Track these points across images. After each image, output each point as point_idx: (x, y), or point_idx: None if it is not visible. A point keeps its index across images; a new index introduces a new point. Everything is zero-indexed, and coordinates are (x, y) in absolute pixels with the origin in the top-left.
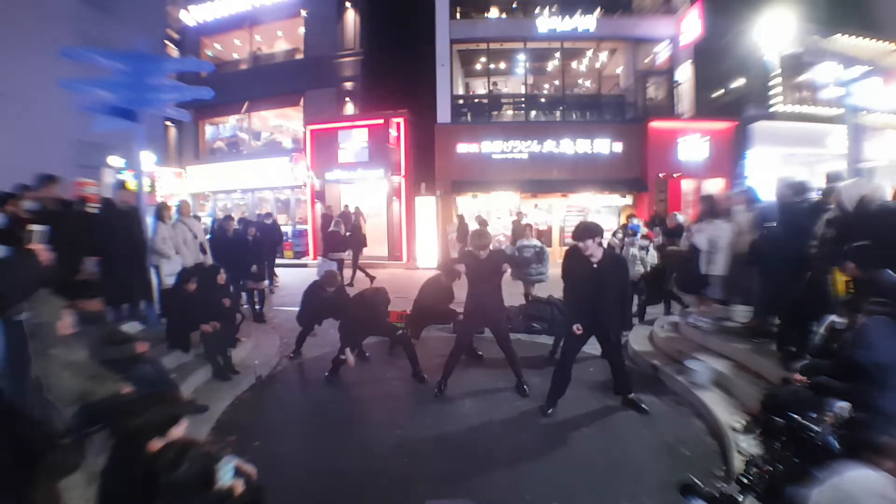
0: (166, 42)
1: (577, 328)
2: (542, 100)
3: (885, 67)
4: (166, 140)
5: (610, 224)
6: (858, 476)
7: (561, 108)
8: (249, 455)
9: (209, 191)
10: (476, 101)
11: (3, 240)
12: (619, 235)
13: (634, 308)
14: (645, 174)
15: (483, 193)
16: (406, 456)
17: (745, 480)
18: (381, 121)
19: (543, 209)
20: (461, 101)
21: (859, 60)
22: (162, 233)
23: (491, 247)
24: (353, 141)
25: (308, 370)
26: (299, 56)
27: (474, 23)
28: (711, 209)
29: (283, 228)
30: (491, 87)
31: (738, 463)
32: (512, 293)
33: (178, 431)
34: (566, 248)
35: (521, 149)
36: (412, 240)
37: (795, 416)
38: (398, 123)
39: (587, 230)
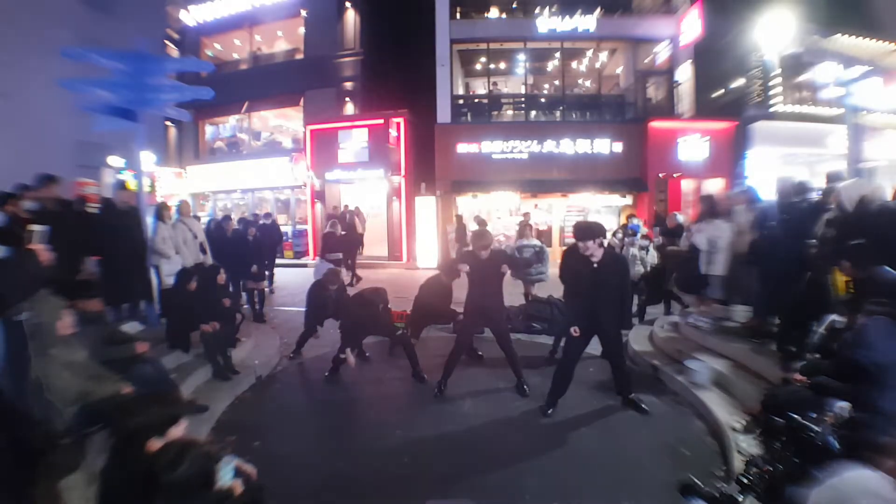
0: (166, 42)
1: (574, 330)
2: (542, 100)
3: (885, 67)
4: (166, 140)
5: (610, 224)
6: (856, 476)
7: (561, 108)
8: (249, 455)
9: (209, 191)
10: (476, 101)
11: (4, 240)
12: (619, 235)
13: (634, 308)
14: (645, 174)
15: (483, 193)
16: (406, 456)
17: (745, 480)
18: (381, 121)
19: (543, 209)
20: (461, 101)
21: (859, 60)
22: (162, 233)
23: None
24: (353, 141)
25: (308, 370)
26: (299, 56)
27: (474, 23)
28: (711, 209)
29: (284, 228)
30: (491, 87)
31: (738, 463)
32: (512, 293)
33: (177, 431)
34: (565, 248)
35: (521, 149)
36: (412, 240)
37: (795, 416)
38: (398, 123)
39: (589, 230)
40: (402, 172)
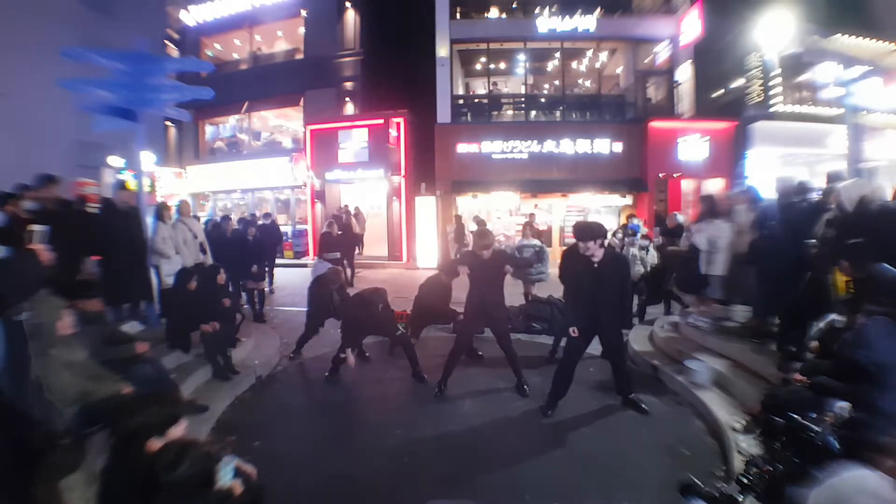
0: (166, 42)
1: (573, 331)
2: (542, 100)
3: (885, 67)
4: (166, 140)
5: (610, 224)
6: (856, 476)
7: (561, 108)
8: (249, 455)
9: (209, 191)
10: (476, 101)
11: (4, 240)
12: (619, 235)
13: (634, 308)
14: (645, 174)
15: (483, 193)
16: (406, 456)
17: (745, 480)
18: (381, 121)
19: (543, 209)
20: (461, 101)
21: (859, 60)
22: (162, 233)
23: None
24: (353, 141)
25: (308, 370)
26: (299, 56)
27: (474, 23)
28: (711, 209)
29: (284, 229)
30: (491, 87)
31: (738, 463)
32: (512, 293)
33: (177, 431)
34: (565, 248)
35: (521, 149)
36: (412, 240)
37: (795, 416)
38: (398, 123)
39: (590, 231)
40: (402, 172)
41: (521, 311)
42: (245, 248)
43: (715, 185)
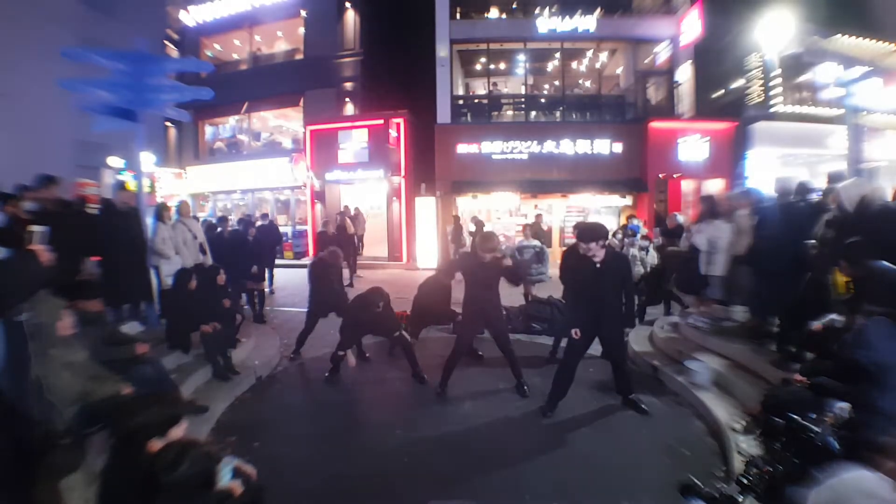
0: (166, 42)
1: (575, 332)
2: (542, 100)
3: (885, 68)
4: (166, 140)
5: (610, 224)
6: (855, 477)
7: (561, 108)
8: (249, 456)
9: (209, 191)
10: (476, 101)
11: (4, 240)
12: (619, 236)
13: (635, 308)
14: (645, 174)
15: (483, 194)
16: (406, 456)
17: (745, 481)
18: (381, 121)
19: (543, 209)
20: (461, 102)
21: (859, 61)
22: (162, 233)
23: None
24: (353, 141)
25: (308, 370)
26: (299, 56)
27: (474, 23)
28: (711, 210)
29: (284, 229)
30: (491, 88)
31: (738, 463)
32: (512, 293)
33: (178, 432)
34: (565, 248)
35: (521, 149)
36: (412, 240)
37: (795, 416)
38: (398, 124)
39: (592, 232)
40: (402, 173)
41: (521, 312)
42: (244, 248)
43: (715, 186)
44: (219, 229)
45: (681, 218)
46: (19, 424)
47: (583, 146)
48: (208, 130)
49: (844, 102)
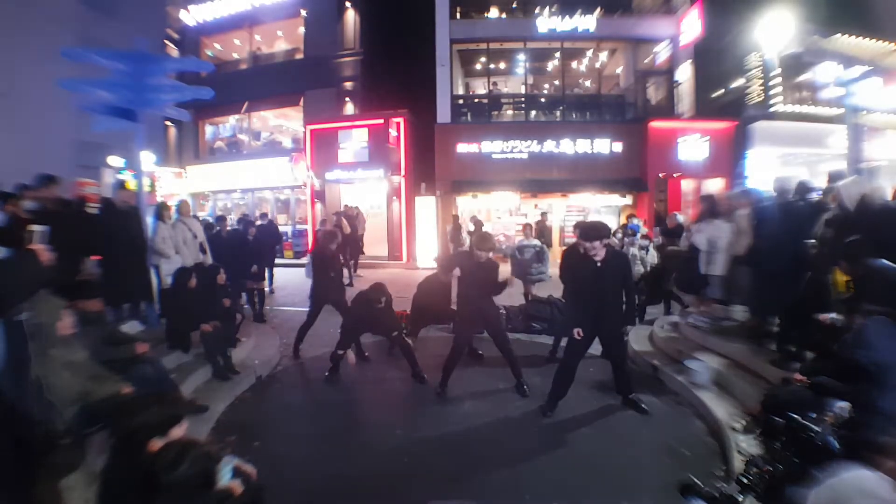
0: (166, 42)
1: (577, 333)
2: (542, 100)
3: (885, 67)
4: (166, 140)
5: (610, 224)
6: (855, 477)
7: (561, 108)
8: (249, 455)
9: (209, 191)
10: (476, 101)
11: (4, 240)
12: (619, 235)
13: (635, 306)
14: (645, 174)
15: (483, 193)
16: (406, 456)
17: (745, 480)
18: (381, 121)
19: (543, 209)
20: (461, 101)
21: (859, 60)
22: (162, 233)
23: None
24: (353, 141)
25: (308, 370)
26: (299, 56)
27: (474, 23)
28: (711, 209)
29: (284, 229)
30: (491, 87)
31: (738, 463)
32: (512, 293)
33: (178, 432)
34: (565, 248)
35: (521, 149)
36: (412, 240)
37: (795, 416)
38: (398, 123)
39: (595, 230)
40: (402, 172)
41: (521, 311)
42: (244, 248)
43: (715, 185)
44: (216, 229)
45: (681, 217)
46: (19, 424)
47: (583, 146)
48: (208, 130)
49: (844, 102)
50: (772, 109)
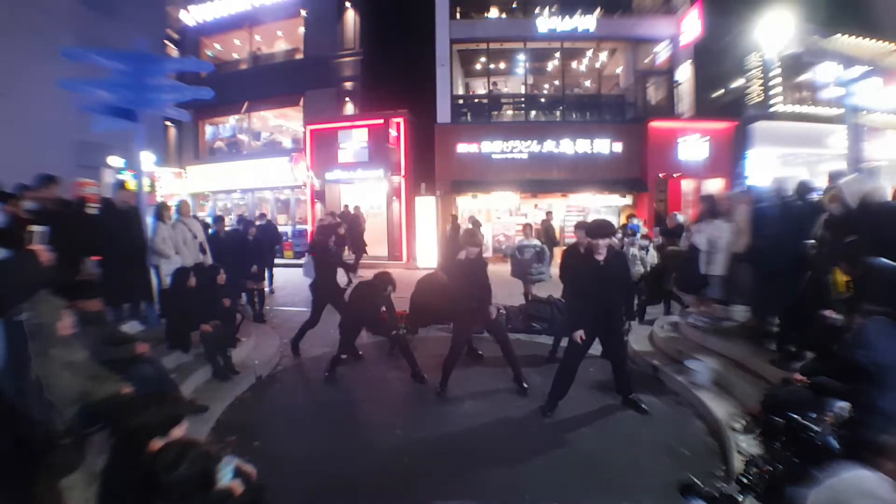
0: (166, 42)
1: (580, 336)
2: (542, 100)
3: (885, 67)
4: (166, 140)
5: None
6: (855, 477)
7: (561, 108)
8: (249, 455)
9: (209, 191)
10: (476, 101)
11: (4, 240)
12: (619, 235)
13: (634, 307)
14: (645, 174)
15: (483, 193)
16: (406, 456)
17: (745, 480)
18: (381, 121)
19: (543, 209)
20: (461, 101)
21: (859, 60)
22: (162, 233)
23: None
24: (353, 141)
25: (308, 370)
26: (299, 56)
27: (474, 23)
28: (711, 209)
29: (284, 229)
30: (491, 87)
31: (738, 463)
32: (512, 293)
33: (178, 432)
34: (563, 248)
35: (521, 149)
36: (412, 240)
37: (795, 416)
38: (398, 123)
39: (601, 229)
40: (402, 172)
41: (521, 311)
42: (244, 248)
43: (715, 185)
44: (211, 230)
45: (681, 217)
46: (19, 424)
47: (583, 146)
48: (208, 130)
49: (844, 102)
50: (772, 109)
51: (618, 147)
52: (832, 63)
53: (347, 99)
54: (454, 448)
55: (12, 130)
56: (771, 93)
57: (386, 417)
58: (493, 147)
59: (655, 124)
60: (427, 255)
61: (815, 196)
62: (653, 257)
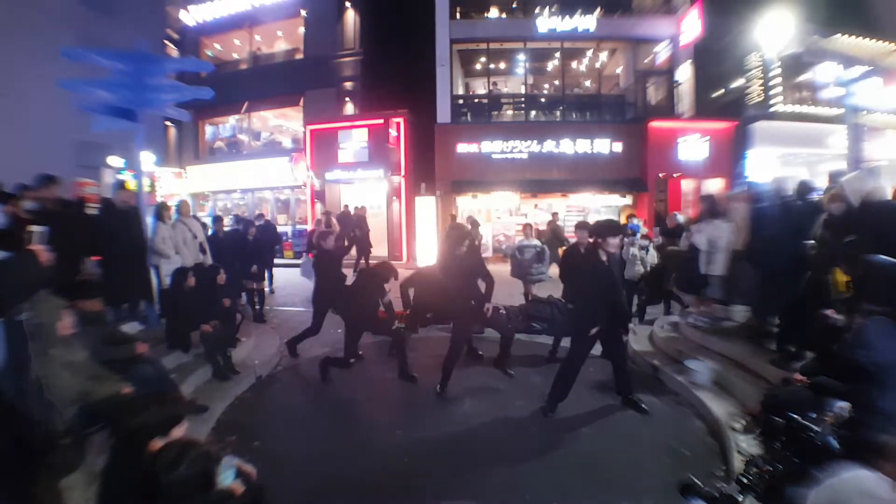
0: (166, 42)
1: (598, 330)
2: (542, 100)
3: (885, 67)
4: (166, 140)
5: None
6: (855, 477)
7: (561, 108)
8: (249, 455)
9: (209, 191)
10: (476, 101)
11: (4, 241)
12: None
13: (634, 308)
14: (645, 174)
15: (483, 193)
16: (406, 456)
17: (745, 480)
18: (381, 121)
19: (543, 209)
20: (461, 101)
21: (859, 60)
22: (162, 233)
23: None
24: (353, 141)
25: (308, 370)
26: (299, 56)
27: (474, 23)
28: (711, 209)
29: (284, 229)
30: (491, 87)
31: (738, 463)
32: (512, 293)
33: (178, 432)
34: (563, 248)
35: (521, 149)
36: (412, 240)
37: (795, 416)
38: (398, 123)
39: (611, 228)
40: (402, 172)
41: (521, 311)
42: (243, 248)
43: (715, 185)
44: (210, 230)
45: (681, 217)
46: (19, 424)
47: (583, 146)
48: (208, 130)
49: (844, 102)
50: (772, 109)
51: (618, 147)
52: (832, 63)
53: (347, 99)
54: (454, 448)
55: (12, 130)
56: (771, 93)
57: (386, 417)
58: (493, 147)
59: (655, 124)
60: (427, 255)
61: (815, 196)
62: (653, 257)
